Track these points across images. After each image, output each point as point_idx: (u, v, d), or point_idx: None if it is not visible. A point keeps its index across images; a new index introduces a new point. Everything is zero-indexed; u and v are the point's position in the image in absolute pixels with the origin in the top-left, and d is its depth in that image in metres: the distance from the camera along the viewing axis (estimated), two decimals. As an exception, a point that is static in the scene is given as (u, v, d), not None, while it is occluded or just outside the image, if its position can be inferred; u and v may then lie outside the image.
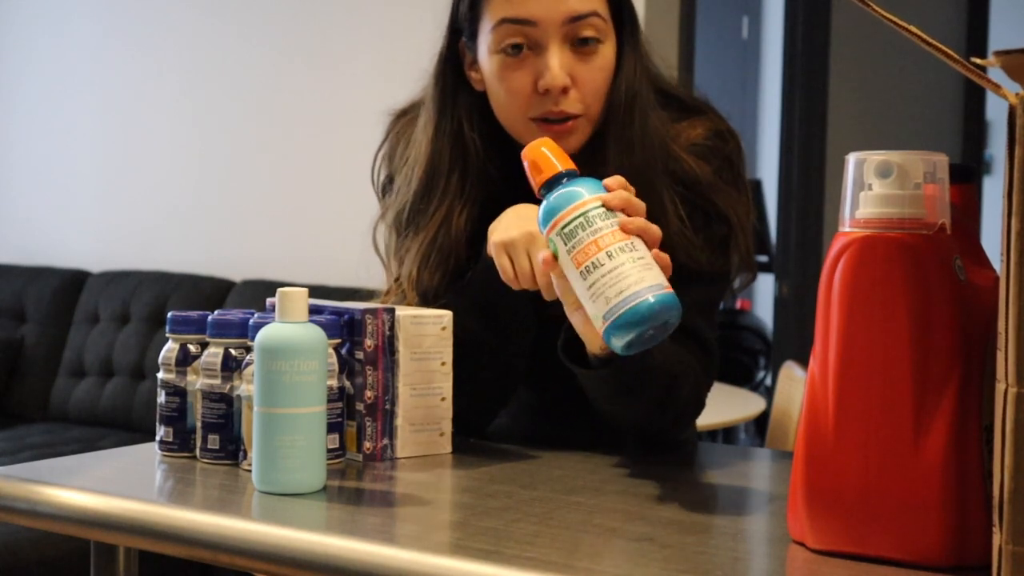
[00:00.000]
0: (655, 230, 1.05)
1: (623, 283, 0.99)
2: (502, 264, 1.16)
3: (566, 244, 1.02)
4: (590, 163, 1.28)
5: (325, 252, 3.25)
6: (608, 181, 1.06)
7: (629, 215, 1.04)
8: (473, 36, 1.29)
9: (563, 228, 1.03)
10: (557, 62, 1.23)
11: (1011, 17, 5.31)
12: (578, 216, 1.02)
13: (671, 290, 1.01)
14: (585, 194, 1.04)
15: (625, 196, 1.05)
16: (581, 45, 1.24)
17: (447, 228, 1.30)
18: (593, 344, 1.13)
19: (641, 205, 1.07)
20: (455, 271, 1.30)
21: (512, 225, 1.17)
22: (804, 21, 4.28)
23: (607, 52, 1.26)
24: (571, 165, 1.08)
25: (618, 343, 1.00)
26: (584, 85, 1.25)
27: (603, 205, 1.03)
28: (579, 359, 1.17)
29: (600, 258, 1.00)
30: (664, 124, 1.30)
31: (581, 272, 1.01)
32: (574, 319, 1.09)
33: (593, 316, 1.01)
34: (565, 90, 1.24)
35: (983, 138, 5.15)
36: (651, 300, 0.98)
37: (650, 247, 1.04)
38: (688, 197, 1.28)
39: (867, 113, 4.47)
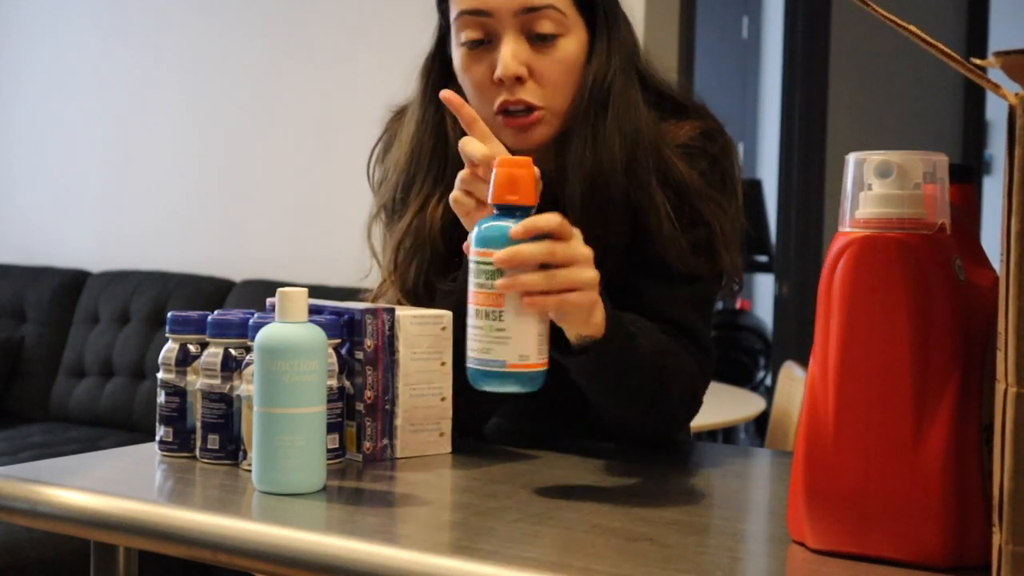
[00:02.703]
0: (571, 303, 1.04)
1: (498, 346, 1.02)
2: (458, 201, 1.17)
3: (473, 276, 1.03)
4: (560, 157, 1.28)
5: (325, 252, 3.25)
6: (517, 229, 1.02)
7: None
8: (448, 32, 1.30)
9: (479, 262, 1.03)
10: (510, 52, 1.23)
11: (1011, 17, 5.31)
12: (481, 262, 1.02)
13: (540, 366, 1.03)
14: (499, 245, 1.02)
15: (514, 251, 1.01)
16: (537, 38, 1.24)
17: (422, 217, 1.31)
18: (570, 331, 1.12)
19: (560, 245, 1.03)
20: (433, 262, 1.30)
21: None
22: (804, 21, 4.28)
23: (568, 45, 1.26)
24: (530, 200, 1.04)
25: (474, 382, 1.04)
26: (542, 77, 1.25)
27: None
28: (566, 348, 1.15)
29: (493, 312, 1.02)
30: (654, 123, 1.30)
31: (475, 310, 1.03)
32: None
33: (468, 349, 1.04)
34: (521, 80, 1.24)
35: (983, 138, 5.15)
36: (517, 372, 1.02)
37: (568, 313, 1.05)
38: (675, 202, 1.27)
39: (867, 113, 4.47)
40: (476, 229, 1.03)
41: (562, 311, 1.05)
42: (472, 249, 1.03)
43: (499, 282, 1.01)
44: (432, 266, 1.30)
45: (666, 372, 1.21)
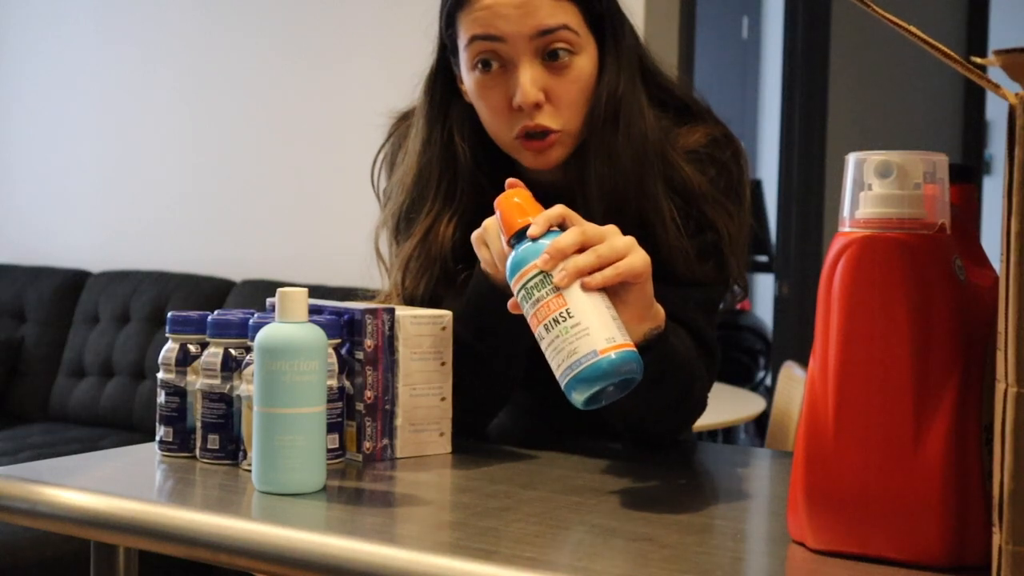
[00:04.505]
0: (624, 267, 1.04)
1: (582, 340, 0.99)
2: (481, 255, 1.17)
3: (528, 301, 1.03)
4: (574, 174, 1.28)
5: (325, 252, 3.25)
6: (534, 229, 1.05)
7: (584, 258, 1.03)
8: (455, 52, 1.29)
9: (526, 284, 1.03)
10: (528, 78, 1.22)
11: (1011, 17, 5.31)
12: (538, 273, 1.03)
13: (631, 346, 1.00)
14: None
15: (551, 246, 1.03)
16: (552, 59, 1.23)
17: (434, 236, 1.30)
18: (635, 324, 1.11)
19: (597, 240, 1.04)
20: (442, 280, 1.30)
21: (487, 219, 1.17)
22: (804, 21, 4.28)
23: (582, 64, 1.25)
24: (539, 213, 1.08)
25: (578, 397, 1.00)
26: (559, 99, 1.24)
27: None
28: None
29: (561, 315, 1.00)
30: (662, 131, 1.29)
31: (544, 327, 1.01)
32: None
33: (555, 369, 1.01)
34: (539, 105, 1.24)
35: (983, 138, 5.15)
36: (612, 356, 0.98)
37: (626, 279, 1.04)
38: (682, 207, 1.27)
39: (867, 113, 4.47)
40: (508, 267, 1.05)
41: (621, 279, 1.04)
42: (513, 280, 1.04)
43: (556, 278, 1.01)
44: (440, 283, 1.30)
45: (694, 379, 1.22)
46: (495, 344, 1.23)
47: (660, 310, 1.12)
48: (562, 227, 1.06)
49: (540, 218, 1.06)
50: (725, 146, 1.31)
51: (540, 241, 1.04)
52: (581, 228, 1.05)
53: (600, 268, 1.03)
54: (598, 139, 1.26)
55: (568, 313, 1.00)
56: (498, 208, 1.09)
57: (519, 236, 1.06)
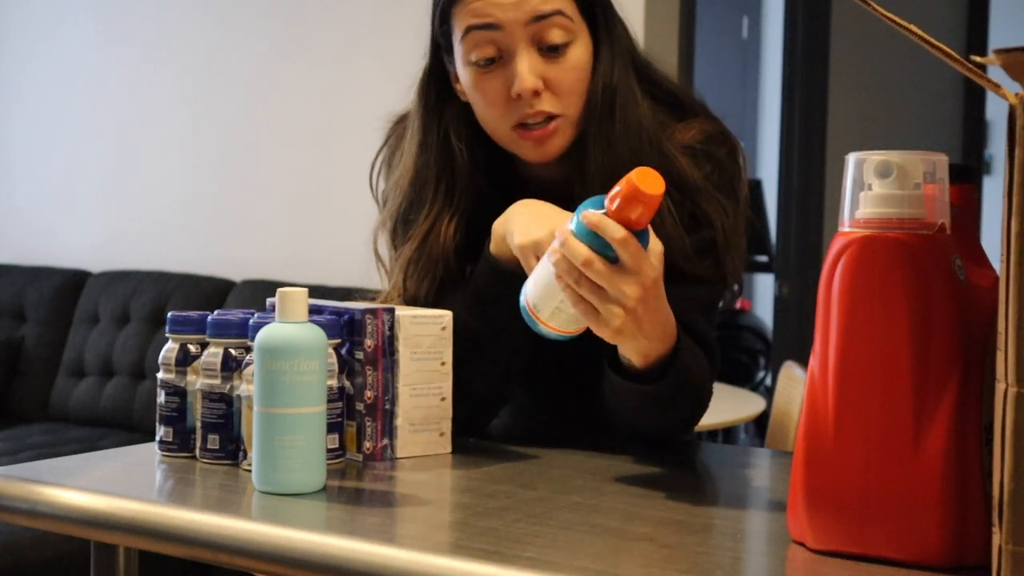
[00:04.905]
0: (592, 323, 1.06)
1: (531, 285, 1.11)
2: (531, 266, 1.16)
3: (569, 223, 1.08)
4: (573, 168, 1.28)
5: (325, 252, 3.25)
6: (589, 217, 1.04)
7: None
8: (449, 50, 1.29)
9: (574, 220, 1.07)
10: (526, 66, 1.23)
11: (1011, 17, 5.31)
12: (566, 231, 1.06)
13: (531, 311, 1.10)
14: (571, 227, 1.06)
15: (568, 240, 1.03)
16: (549, 48, 1.24)
17: (435, 237, 1.30)
18: (638, 357, 1.13)
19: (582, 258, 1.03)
20: (445, 280, 1.30)
21: (534, 225, 1.17)
22: (804, 21, 4.28)
23: (578, 51, 1.26)
24: (629, 218, 1.04)
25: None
26: (557, 86, 1.25)
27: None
28: (618, 369, 1.17)
29: (550, 249, 1.08)
30: (657, 122, 1.30)
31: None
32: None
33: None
34: (537, 93, 1.24)
35: (983, 138, 5.15)
36: (526, 309, 1.11)
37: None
38: (678, 200, 1.27)
39: (867, 113, 4.47)
40: (586, 202, 1.06)
41: (578, 310, 1.06)
42: (585, 210, 1.05)
43: (554, 259, 1.05)
44: (444, 283, 1.30)
45: (703, 394, 1.23)
46: (503, 331, 1.23)
47: (643, 353, 1.13)
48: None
49: (597, 220, 1.02)
50: (721, 142, 1.31)
51: (593, 227, 1.03)
52: (590, 261, 1.02)
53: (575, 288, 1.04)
54: (596, 129, 1.26)
55: (548, 267, 1.08)
56: (635, 178, 1.02)
57: (601, 203, 1.04)
